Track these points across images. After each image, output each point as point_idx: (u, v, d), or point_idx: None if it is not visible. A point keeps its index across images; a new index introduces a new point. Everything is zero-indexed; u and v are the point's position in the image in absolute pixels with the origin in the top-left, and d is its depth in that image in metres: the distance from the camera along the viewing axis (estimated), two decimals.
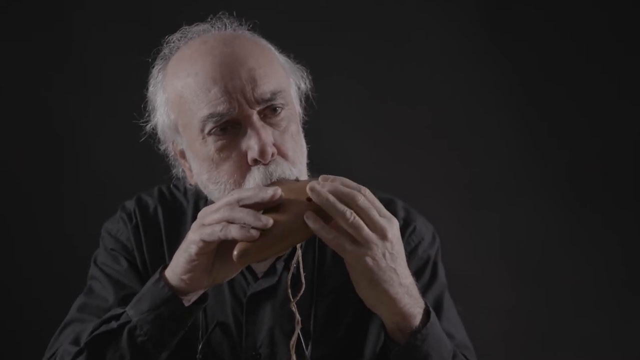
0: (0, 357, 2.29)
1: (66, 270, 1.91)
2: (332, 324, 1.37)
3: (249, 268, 1.37)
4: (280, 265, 1.36)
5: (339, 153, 2.28)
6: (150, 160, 1.41)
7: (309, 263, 1.37)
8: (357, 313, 1.35)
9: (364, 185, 1.34)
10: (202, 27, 1.32)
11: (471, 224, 2.38)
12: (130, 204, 1.45)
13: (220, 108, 1.21)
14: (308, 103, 1.37)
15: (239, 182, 1.23)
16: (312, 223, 1.11)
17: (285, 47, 1.36)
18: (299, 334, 1.28)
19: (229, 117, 1.21)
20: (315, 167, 1.30)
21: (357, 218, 1.11)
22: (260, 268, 1.37)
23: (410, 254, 1.39)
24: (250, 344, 1.36)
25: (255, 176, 1.21)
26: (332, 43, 2.33)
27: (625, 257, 2.38)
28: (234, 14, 1.34)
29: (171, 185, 1.47)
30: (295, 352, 1.29)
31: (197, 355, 1.35)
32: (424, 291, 1.37)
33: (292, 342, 1.27)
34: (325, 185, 1.12)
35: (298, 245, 1.29)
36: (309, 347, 1.34)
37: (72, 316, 1.36)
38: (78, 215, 2.29)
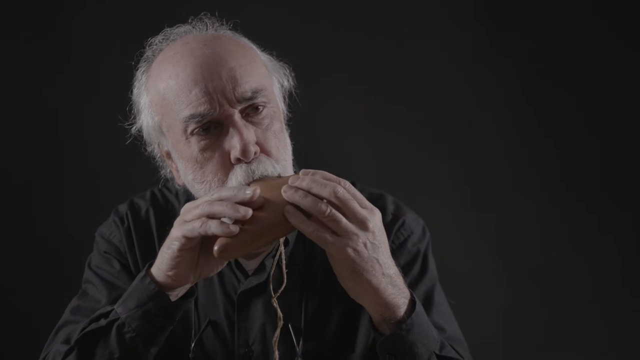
0: (0, 357, 2.30)
1: (66, 270, 1.91)
2: (322, 319, 1.38)
3: (239, 266, 1.38)
4: (269, 262, 1.37)
5: (338, 152, 2.29)
6: (151, 160, 1.42)
7: (299, 258, 1.38)
8: (347, 308, 1.36)
9: (361, 182, 1.34)
10: (183, 28, 1.34)
11: (469, 223, 2.38)
12: (123, 208, 1.47)
13: (201, 109, 1.22)
14: (292, 100, 1.38)
15: (223, 181, 1.24)
16: (292, 217, 1.12)
17: (282, 48, 1.37)
18: (287, 329, 1.30)
19: (210, 117, 1.23)
20: (312, 165, 1.31)
21: (333, 210, 1.12)
22: (251, 265, 1.38)
23: (399, 248, 1.41)
24: (243, 341, 1.37)
25: (238, 174, 1.22)
26: (332, 42, 2.34)
27: (621, 256, 2.38)
28: (232, 14, 1.35)
29: (162, 187, 1.48)
30: (287, 348, 1.30)
31: (190, 354, 1.36)
32: (414, 285, 1.38)
33: (274, 339, 1.29)
34: (305, 179, 1.13)
35: (281, 242, 1.30)
36: (300, 342, 1.35)
37: (66, 319, 1.37)
38: (78, 215, 2.30)
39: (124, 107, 1.41)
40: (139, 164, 1.47)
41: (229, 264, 1.37)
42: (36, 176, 2.32)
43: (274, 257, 1.36)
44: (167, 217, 1.44)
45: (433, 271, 1.45)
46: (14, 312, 2.31)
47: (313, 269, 1.39)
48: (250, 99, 1.24)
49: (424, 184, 2.36)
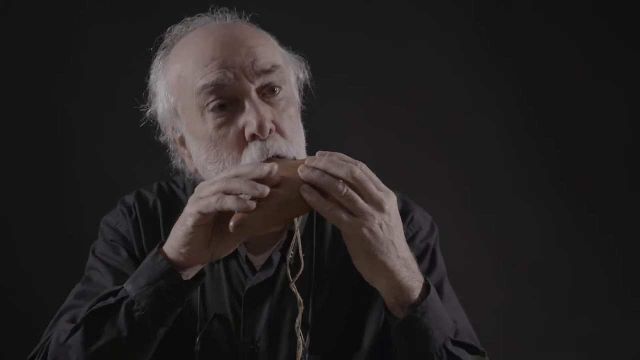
0: (0, 357, 2.30)
1: (66, 270, 1.90)
2: (330, 314, 1.37)
3: (247, 261, 1.38)
4: (276, 257, 1.36)
5: (338, 151, 2.28)
6: (151, 159, 1.42)
7: (306, 252, 1.36)
8: (355, 303, 1.36)
9: None
10: (203, 18, 1.35)
11: (469, 223, 2.38)
12: (130, 198, 1.46)
13: (213, 78, 1.23)
14: (307, 93, 1.38)
15: (237, 159, 1.24)
16: (309, 195, 1.11)
17: (282, 46, 1.38)
18: (301, 318, 1.28)
19: (226, 89, 1.23)
20: None
21: (350, 190, 1.11)
22: (258, 261, 1.38)
23: (408, 243, 1.39)
24: (249, 338, 1.36)
25: (252, 151, 1.22)
26: (332, 42, 2.34)
27: (621, 256, 2.39)
28: (235, 9, 1.36)
29: (170, 181, 1.48)
30: (293, 342, 1.29)
31: (195, 347, 1.35)
32: None
33: (297, 324, 1.27)
34: (322, 160, 1.13)
35: (297, 225, 1.30)
36: (307, 337, 1.34)
37: (70, 303, 1.35)
38: (78, 215, 2.29)
39: (124, 107, 1.42)
40: (139, 164, 1.47)
41: (237, 258, 1.36)
42: (36, 176, 2.31)
43: (281, 251, 1.36)
44: (173, 210, 1.41)
45: (442, 266, 1.45)
46: (14, 312, 2.31)
47: (320, 264, 1.39)
48: (269, 71, 1.25)
49: (423, 183, 2.36)
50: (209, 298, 1.37)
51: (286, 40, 1.39)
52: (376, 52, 2.35)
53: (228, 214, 1.13)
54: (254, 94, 1.23)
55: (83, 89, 2.31)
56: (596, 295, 2.38)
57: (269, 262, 1.37)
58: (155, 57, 1.36)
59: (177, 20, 1.38)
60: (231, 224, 1.12)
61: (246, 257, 1.38)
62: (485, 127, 2.39)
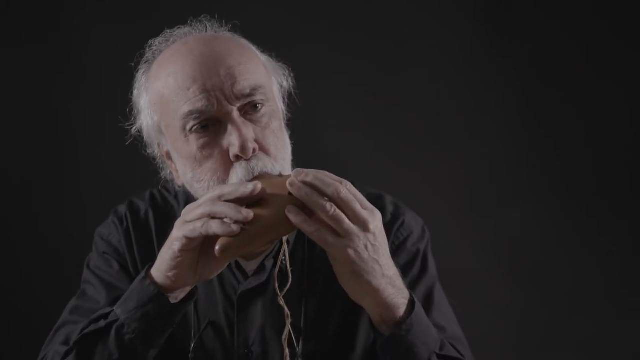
0: (0, 357, 2.30)
1: (67, 270, 1.91)
2: (323, 319, 1.38)
3: (239, 267, 1.38)
4: (269, 263, 1.37)
5: (337, 154, 2.29)
6: (151, 160, 1.43)
7: (298, 258, 1.38)
8: (347, 308, 1.36)
9: (360, 184, 1.35)
10: (183, 30, 1.34)
11: (468, 223, 2.38)
12: (122, 208, 1.47)
13: (199, 105, 1.23)
14: (292, 101, 1.38)
15: (223, 179, 1.24)
16: (294, 216, 1.12)
17: (281, 48, 1.38)
18: (290, 329, 1.28)
19: (208, 114, 1.23)
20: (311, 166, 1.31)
21: (338, 210, 1.11)
22: (250, 266, 1.38)
23: (399, 248, 1.41)
24: (242, 342, 1.37)
25: (238, 172, 1.22)
26: (332, 43, 2.34)
27: (620, 257, 2.38)
28: (232, 15, 1.36)
29: (161, 188, 1.48)
30: (288, 347, 1.29)
31: (190, 355, 1.36)
32: (414, 284, 1.38)
33: (284, 337, 1.28)
34: (308, 177, 1.13)
35: (284, 240, 1.30)
36: (300, 342, 1.34)
37: (65, 319, 1.37)
38: (78, 215, 2.30)
39: (124, 107, 1.42)
40: (139, 164, 1.47)
41: (229, 264, 1.36)
42: (36, 176, 2.32)
43: (274, 257, 1.37)
44: (166, 218, 1.43)
45: (433, 270, 1.45)
46: (14, 312, 2.32)
47: (312, 269, 1.39)
48: (249, 95, 1.24)
49: (423, 185, 2.36)
50: (202, 305, 1.38)
51: (285, 41, 1.39)
52: (376, 53, 2.35)
53: (214, 237, 1.13)
54: (235, 115, 1.24)
55: (83, 89, 2.32)
56: (595, 295, 2.38)
57: (261, 267, 1.37)
58: (137, 72, 1.36)
59: (177, 20, 1.37)
60: (217, 248, 1.12)
61: (237, 263, 1.38)
62: (485, 128, 2.39)
